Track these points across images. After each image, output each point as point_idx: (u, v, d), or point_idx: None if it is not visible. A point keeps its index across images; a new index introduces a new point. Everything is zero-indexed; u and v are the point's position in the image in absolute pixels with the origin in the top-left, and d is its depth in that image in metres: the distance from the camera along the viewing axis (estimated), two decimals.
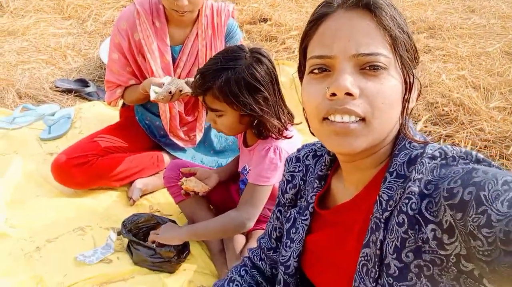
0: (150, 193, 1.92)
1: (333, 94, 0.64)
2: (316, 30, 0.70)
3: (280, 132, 1.37)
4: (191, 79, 1.67)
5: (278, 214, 0.95)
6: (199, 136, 2.00)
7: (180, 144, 1.99)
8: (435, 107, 2.46)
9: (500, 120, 2.34)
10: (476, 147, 2.19)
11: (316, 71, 0.68)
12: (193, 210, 1.63)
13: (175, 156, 1.99)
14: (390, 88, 0.64)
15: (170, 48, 1.82)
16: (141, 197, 1.87)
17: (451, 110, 2.40)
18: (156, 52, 1.77)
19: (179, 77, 1.87)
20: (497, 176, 0.56)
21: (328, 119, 0.66)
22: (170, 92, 1.63)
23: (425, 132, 2.32)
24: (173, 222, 1.62)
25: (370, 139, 0.66)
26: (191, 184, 1.48)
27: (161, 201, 1.88)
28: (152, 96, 1.62)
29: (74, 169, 1.72)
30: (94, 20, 3.57)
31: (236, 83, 1.26)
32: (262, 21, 3.51)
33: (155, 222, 1.62)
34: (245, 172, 1.50)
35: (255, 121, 1.37)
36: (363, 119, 0.65)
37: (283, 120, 1.36)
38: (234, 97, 1.27)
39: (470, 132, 2.26)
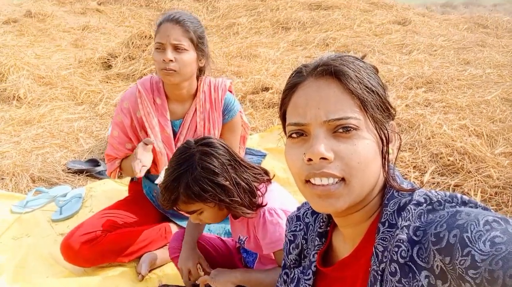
0: (159, 266, 1.90)
1: (310, 160, 0.68)
2: (290, 98, 0.75)
3: (252, 205, 1.37)
4: None
5: (285, 277, 0.94)
6: None
7: (185, 213, 2.00)
8: (440, 158, 2.45)
9: (507, 166, 2.32)
10: (487, 194, 2.15)
11: (294, 135, 0.73)
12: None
13: (183, 226, 2.00)
14: (363, 148, 0.67)
15: (171, 122, 1.91)
16: (150, 271, 1.85)
17: (456, 160, 2.40)
18: (156, 127, 1.87)
19: None
20: (478, 216, 0.58)
21: (310, 182, 0.70)
22: None
23: (433, 183, 2.30)
24: None
25: (352, 198, 0.69)
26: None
27: (170, 274, 1.85)
28: (158, 181, 1.70)
29: (82, 246, 1.74)
30: (106, 103, 3.78)
31: (197, 184, 1.28)
32: (264, 90, 3.66)
33: None
34: (241, 242, 1.50)
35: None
36: (342, 179, 0.67)
37: (250, 196, 1.36)
38: (200, 197, 1.30)
39: (479, 180, 2.23)
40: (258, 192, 1.38)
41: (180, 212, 1.43)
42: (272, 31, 6.41)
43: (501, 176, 2.23)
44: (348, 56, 0.74)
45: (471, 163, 2.37)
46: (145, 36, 5.01)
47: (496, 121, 2.87)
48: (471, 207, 0.65)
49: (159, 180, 1.71)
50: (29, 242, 2.02)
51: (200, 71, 1.93)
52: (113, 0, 8.41)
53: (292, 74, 0.78)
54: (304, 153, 0.69)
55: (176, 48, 1.73)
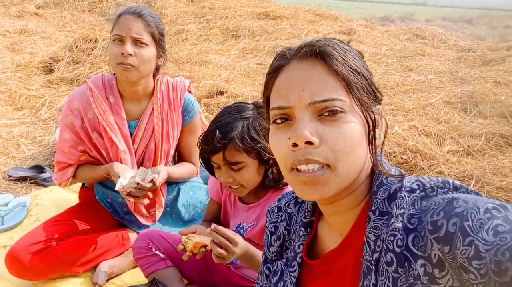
0: (117, 275, 1.78)
1: (295, 145, 0.65)
2: (274, 82, 0.72)
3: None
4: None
5: (267, 272, 0.90)
6: (159, 212, 1.92)
7: (142, 220, 1.90)
8: (394, 156, 2.54)
9: (456, 162, 2.45)
10: None
11: (278, 121, 0.70)
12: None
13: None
14: (349, 131, 0.65)
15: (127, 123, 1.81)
16: (107, 280, 1.72)
17: (409, 158, 2.49)
18: (114, 125, 1.76)
19: (135, 153, 1.83)
20: (477, 204, 0.57)
21: (296, 169, 0.67)
22: (137, 184, 1.62)
23: None
24: None
25: (338, 184, 0.66)
26: (200, 238, 1.26)
27: (130, 283, 1.74)
28: (117, 187, 1.60)
29: (32, 256, 1.58)
30: (49, 108, 3.54)
31: (254, 130, 1.29)
32: (219, 94, 3.62)
33: None
34: (241, 230, 1.44)
35: (269, 171, 1.36)
36: (327, 165, 0.65)
37: None
38: (255, 144, 1.28)
39: (431, 175, 2.33)
40: None
41: (225, 158, 1.30)
42: (222, 38, 6.39)
43: (451, 171, 2.35)
44: (333, 38, 0.73)
45: (423, 160, 2.47)
46: (90, 40, 4.79)
47: (442, 122, 3.03)
48: (463, 192, 0.65)
49: (119, 186, 1.60)
50: None
51: (157, 69, 1.85)
52: (53, 4, 8.00)
53: (275, 57, 0.74)
54: (289, 137, 0.66)
55: (136, 42, 1.65)
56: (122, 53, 1.61)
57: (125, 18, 1.65)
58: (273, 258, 0.88)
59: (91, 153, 1.81)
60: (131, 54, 1.62)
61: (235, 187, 1.36)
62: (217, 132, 1.29)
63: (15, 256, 1.58)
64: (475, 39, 6.78)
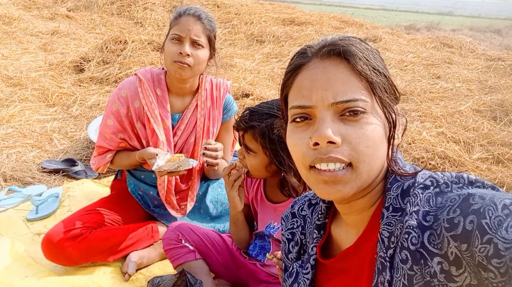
0: (146, 266, 1.82)
1: (316, 144, 0.65)
2: (294, 80, 0.71)
3: (301, 192, 1.35)
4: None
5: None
6: (190, 205, 1.97)
7: (172, 212, 1.94)
8: (422, 162, 2.52)
9: (485, 169, 2.41)
10: None
11: (298, 119, 0.69)
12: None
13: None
14: (372, 131, 0.65)
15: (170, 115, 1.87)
16: (136, 271, 1.76)
17: (437, 163, 2.47)
18: (158, 117, 1.83)
19: (175, 145, 1.89)
20: (494, 200, 0.55)
21: (315, 167, 0.66)
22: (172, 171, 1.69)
23: None
24: None
25: (359, 184, 0.66)
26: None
27: (157, 274, 1.76)
28: (155, 167, 1.65)
29: (67, 242, 1.63)
30: (80, 105, 3.64)
31: (278, 134, 1.29)
32: (244, 96, 3.66)
33: None
34: (272, 230, 1.44)
35: (282, 175, 1.36)
36: (349, 165, 0.65)
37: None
38: (270, 144, 1.29)
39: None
40: None
41: (243, 139, 1.38)
42: (247, 43, 6.46)
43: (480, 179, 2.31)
44: (353, 37, 0.72)
45: (451, 166, 2.44)
46: (120, 41, 4.91)
47: (470, 130, 2.99)
48: (479, 186, 0.63)
49: (156, 166, 1.66)
50: (3, 241, 1.87)
51: None
52: (83, 7, 8.23)
53: (294, 55, 0.73)
54: (310, 136, 0.65)
55: (194, 43, 1.71)
56: (181, 53, 1.68)
57: (186, 19, 1.71)
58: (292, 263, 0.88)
59: (131, 142, 1.87)
60: (188, 55, 1.69)
61: (244, 165, 1.41)
62: (247, 114, 1.34)
63: (51, 240, 1.64)
64: (504, 50, 6.65)
